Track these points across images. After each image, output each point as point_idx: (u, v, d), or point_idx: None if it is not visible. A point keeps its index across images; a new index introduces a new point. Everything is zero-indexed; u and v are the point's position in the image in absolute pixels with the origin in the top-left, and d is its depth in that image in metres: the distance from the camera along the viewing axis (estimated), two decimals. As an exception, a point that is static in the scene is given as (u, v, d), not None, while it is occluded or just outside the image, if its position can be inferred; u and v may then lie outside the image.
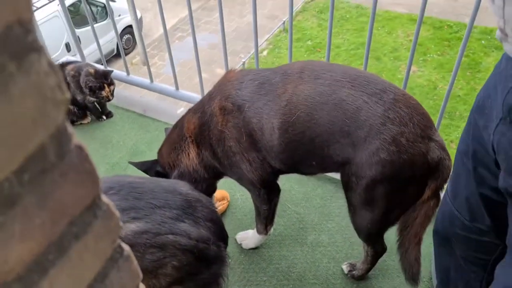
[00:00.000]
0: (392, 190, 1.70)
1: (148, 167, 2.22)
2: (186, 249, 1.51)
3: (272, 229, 2.37)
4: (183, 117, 2.12)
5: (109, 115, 3.43)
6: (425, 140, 1.60)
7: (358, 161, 1.66)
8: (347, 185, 1.79)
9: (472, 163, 1.44)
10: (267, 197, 2.16)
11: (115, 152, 3.18)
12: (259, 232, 2.36)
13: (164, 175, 2.18)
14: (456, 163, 1.63)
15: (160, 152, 2.23)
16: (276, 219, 2.31)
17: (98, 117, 3.40)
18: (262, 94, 1.79)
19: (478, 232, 1.51)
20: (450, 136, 8.37)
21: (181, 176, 2.12)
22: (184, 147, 2.07)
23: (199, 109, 2.01)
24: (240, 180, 2.09)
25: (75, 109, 3.24)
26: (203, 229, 1.57)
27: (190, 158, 2.07)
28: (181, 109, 3.51)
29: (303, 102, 1.70)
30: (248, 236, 2.49)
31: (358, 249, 2.48)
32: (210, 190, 2.26)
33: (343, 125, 1.65)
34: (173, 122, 3.42)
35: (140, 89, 3.62)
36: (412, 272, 1.89)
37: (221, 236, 1.72)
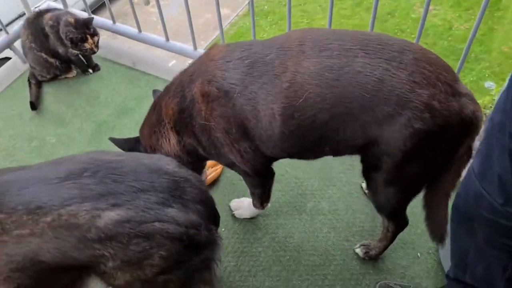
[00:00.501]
0: (428, 159, 1.53)
1: (131, 147, 2.00)
2: (175, 237, 1.32)
3: (269, 204, 2.19)
4: (161, 97, 1.86)
5: (95, 68, 3.17)
6: (456, 97, 1.41)
7: (387, 138, 1.45)
8: (375, 167, 1.58)
9: (510, 138, 1.20)
10: (260, 182, 1.97)
11: (103, 109, 2.96)
12: (255, 206, 2.18)
13: None
14: (487, 135, 1.38)
15: (141, 131, 2.00)
16: (272, 190, 2.12)
17: (84, 71, 3.15)
18: (255, 75, 1.53)
19: (509, 217, 1.30)
20: (464, 80, 7.99)
21: None
22: (164, 132, 1.83)
23: (178, 91, 1.73)
24: (230, 167, 1.90)
25: (58, 63, 2.98)
26: (192, 213, 1.38)
27: (171, 144, 1.84)
28: (173, 62, 3.25)
29: (310, 81, 1.45)
30: (243, 206, 2.32)
31: (360, 218, 2.31)
32: (198, 170, 2.06)
33: (363, 101, 1.41)
34: (164, 76, 3.18)
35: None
36: (441, 231, 1.73)
37: (213, 219, 1.54)
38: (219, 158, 1.84)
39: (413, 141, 1.42)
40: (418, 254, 2.18)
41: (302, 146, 1.64)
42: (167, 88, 1.84)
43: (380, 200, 1.76)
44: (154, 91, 2.14)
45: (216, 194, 2.45)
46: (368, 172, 1.66)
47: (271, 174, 1.96)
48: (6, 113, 2.97)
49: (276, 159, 1.82)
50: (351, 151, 1.63)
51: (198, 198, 1.41)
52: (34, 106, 2.93)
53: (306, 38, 1.52)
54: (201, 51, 2.99)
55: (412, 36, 6.02)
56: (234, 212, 2.34)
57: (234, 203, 2.36)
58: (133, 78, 3.13)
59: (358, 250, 2.17)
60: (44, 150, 2.76)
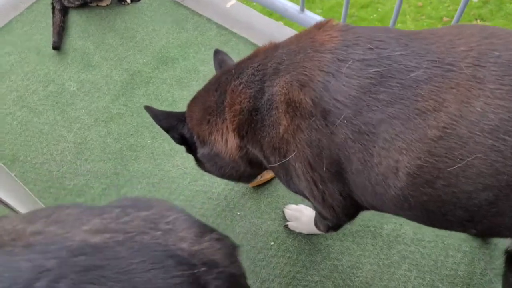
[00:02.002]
0: None
1: (170, 125, 1.42)
2: None
3: (335, 232, 1.63)
4: (228, 76, 1.25)
5: (135, -2, 2.56)
6: None
7: None
8: None
9: None
10: (336, 222, 1.41)
11: (138, 54, 2.38)
12: (317, 227, 1.63)
13: (190, 144, 1.42)
14: None
15: (190, 109, 1.39)
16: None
17: (120, 0, 2.54)
18: (381, 99, 0.95)
19: None
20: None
21: (212, 158, 1.37)
22: (222, 129, 1.27)
23: (255, 79, 1.14)
24: (298, 193, 1.34)
25: (89, -14, 2.39)
26: None
27: (228, 147, 1.28)
28: (232, 2, 2.58)
29: (482, 138, 0.87)
30: (300, 218, 1.78)
31: (454, 257, 1.74)
32: (253, 177, 1.53)
33: None
34: (220, 20, 2.56)
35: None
36: None
37: None
38: (289, 185, 1.29)
39: None
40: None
41: (431, 221, 1.07)
42: (239, 66, 1.23)
43: None
44: (217, 52, 1.51)
45: (267, 194, 1.90)
46: None
47: (355, 217, 1.39)
48: (22, 43, 2.44)
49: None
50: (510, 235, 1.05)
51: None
52: (56, 46, 2.38)
53: (491, 51, 0.88)
54: (310, 15, 2.26)
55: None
56: (288, 223, 1.81)
57: (291, 212, 1.82)
58: (179, 18, 2.50)
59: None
60: (62, 99, 2.24)
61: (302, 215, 1.78)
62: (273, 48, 1.16)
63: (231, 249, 0.97)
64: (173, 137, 1.45)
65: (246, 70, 1.17)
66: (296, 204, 1.86)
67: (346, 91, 0.96)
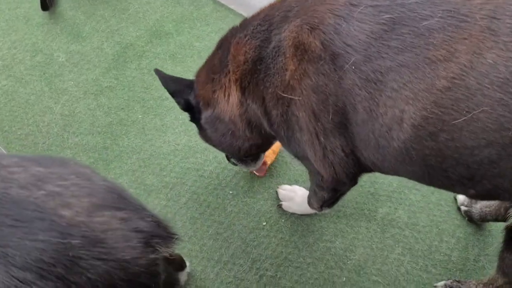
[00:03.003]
0: None
1: (177, 90, 1.40)
2: None
3: (329, 210, 1.61)
4: (233, 32, 1.23)
5: (129, -30, 2.46)
6: None
7: None
8: None
9: None
10: (332, 189, 1.37)
11: (131, 27, 2.30)
12: (310, 205, 1.59)
13: (194, 111, 1.40)
14: None
15: (197, 73, 1.38)
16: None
17: (114, -29, 2.45)
18: (392, 46, 0.92)
19: None
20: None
21: (213, 122, 1.34)
22: (224, 83, 1.24)
23: (262, 30, 1.11)
24: (298, 157, 1.30)
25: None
26: None
27: (230, 103, 1.25)
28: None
29: (491, 91, 0.84)
30: (295, 198, 1.74)
31: (448, 242, 1.72)
32: (256, 150, 1.48)
33: None
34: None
35: None
36: None
37: None
38: (289, 144, 1.25)
39: None
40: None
41: (431, 178, 1.03)
42: (246, 23, 1.20)
43: None
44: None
45: (244, 184, 1.86)
46: None
47: (354, 184, 1.35)
48: (10, 11, 2.34)
49: (373, 170, 1.20)
50: (510, 199, 1.02)
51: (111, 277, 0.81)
52: (45, 5, 2.29)
53: (505, 4, 0.85)
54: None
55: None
56: (281, 203, 1.76)
57: (284, 192, 1.77)
58: (175, -8, 2.43)
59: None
60: (49, 69, 2.15)
61: (295, 195, 1.74)
62: (280, 1, 1.13)
63: (142, 235, 0.89)
64: (178, 102, 1.42)
65: (252, 23, 1.15)
66: (290, 185, 1.82)
67: (356, 36, 0.94)
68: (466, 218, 1.75)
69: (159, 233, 0.96)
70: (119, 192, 0.96)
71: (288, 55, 1.04)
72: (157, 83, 2.12)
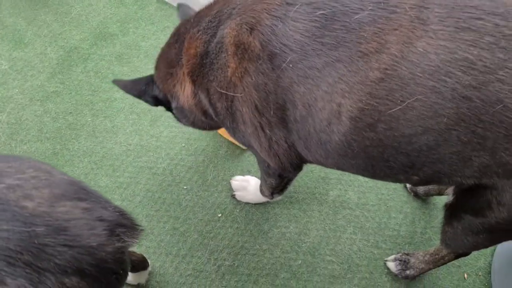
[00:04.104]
0: None
1: (141, 91, 1.42)
2: None
3: (280, 197, 1.67)
4: (187, 26, 1.25)
5: (69, -27, 2.43)
6: None
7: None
8: (475, 211, 1.08)
9: None
10: (279, 175, 1.42)
11: (74, 30, 2.28)
12: (262, 193, 1.64)
13: (164, 102, 1.43)
14: None
15: (157, 68, 1.40)
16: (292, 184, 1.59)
17: (54, -25, 2.42)
18: (325, 42, 0.94)
19: None
20: None
21: (180, 111, 1.39)
22: (180, 76, 1.28)
23: (212, 26, 1.15)
24: (246, 146, 1.34)
25: (17, -40, 2.25)
26: None
27: (185, 95, 1.29)
28: (172, -24, 2.51)
29: (423, 79, 0.87)
30: (248, 188, 1.78)
31: (396, 218, 1.80)
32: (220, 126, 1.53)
33: None
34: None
35: None
36: None
37: None
38: (235, 134, 1.29)
39: None
40: (465, 275, 1.71)
41: (374, 170, 1.07)
42: (199, 15, 1.23)
43: (458, 243, 1.24)
44: (180, 5, 1.51)
45: (213, 167, 1.89)
46: (457, 210, 1.13)
47: (299, 171, 1.40)
48: None
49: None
50: (451, 183, 1.08)
51: (80, 264, 0.85)
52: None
53: None
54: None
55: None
56: (235, 193, 1.80)
57: (237, 182, 1.81)
58: (117, -7, 2.42)
59: (391, 265, 1.67)
60: (-8, 78, 2.11)
61: (248, 184, 1.79)
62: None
63: (106, 223, 0.93)
64: (147, 101, 1.44)
65: (205, 18, 1.18)
66: (243, 175, 1.86)
67: (292, 35, 0.97)
68: (412, 194, 1.84)
69: (123, 222, 0.99)
70: (80, 185, 0.98)
71: (229, 53, 1.07)
72: (105, 85, 2.12)
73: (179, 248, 1.70)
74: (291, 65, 0.97)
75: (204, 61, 1.16)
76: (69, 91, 2.11)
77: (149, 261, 1.61)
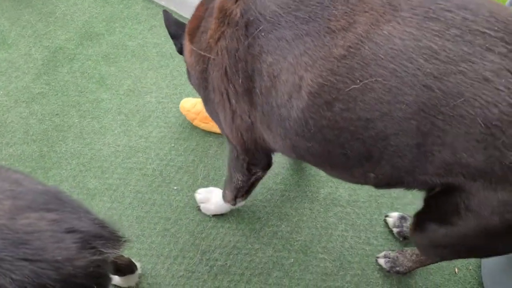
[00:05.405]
0: None
1: (177, 34, 1.45)
2: None
3: (243, 202, 1.66)
4: None
5: (52, -28, 2.39)
6: None
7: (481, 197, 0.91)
8: (443, 217, 1.04)
9: None
10: (247, 166, 1.40)
11: (59, 30, 2.24)
12: (224, 197, 1.63)
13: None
14: None
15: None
16: (254, 192, 1.60)
17: (37, -26, 2.38)
18: (298, 16, 0.97)
19: None
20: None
21: (187, 70, 1.43)
22: (186, 35, 1.33)
23: None
24: (215, 120, 1.35)
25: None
26: None
27: (187, 53, 1.33)
28: (157, -26, 2.49)
29: (385, 61, 0.87)
30: (210, 199, 1.75)
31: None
32: None
33: (476, 129, 0.83)
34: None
35: None
36: None
37: None
38: (206, 105, 1.32)
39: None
40: (456, 270, 1.72)
41: (331, 157, 1.06)
42: None
43: (425, 252, 1.24)
44: (165, 13, 1.52)
45: (204, 167, 1.88)
46: (423, 218, 1.12)
47: (266, 164, 1.40)
48: None
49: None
50: (416, 186, 1.06)
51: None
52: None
53: None
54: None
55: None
56: (199, 205, 1.77)
57: (201, 195, 1.77)
58: (102, -8, 2.39)
59: (382, 262, 1.68)
60: (-24, 80, 2.07)
61: (211, 195, 1.75)
62: None
63: (78, 235, 0.89)
64: (175, 44, 1.47)
65: None
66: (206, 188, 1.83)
67: (269, 6, 1.00)
68: (401, 239, 1.76)
69: (102, 233, 0.95)
70: (55, 195, 0.95)
71: (214, 16, 1.11)
72: (92, 85, 2.09)
73: (170, 249, 1.69)
74: (263, 34, 1.00)
75: (199, 24, 1.22)
76: (55, 92, 2.07)
77: (138, 264, 1.59)
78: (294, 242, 1.73)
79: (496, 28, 0.82)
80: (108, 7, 2.34)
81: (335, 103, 0.93)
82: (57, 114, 2.02)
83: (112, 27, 2.26)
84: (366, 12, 0.90)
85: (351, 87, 0.90)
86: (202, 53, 1.16)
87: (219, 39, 1.09)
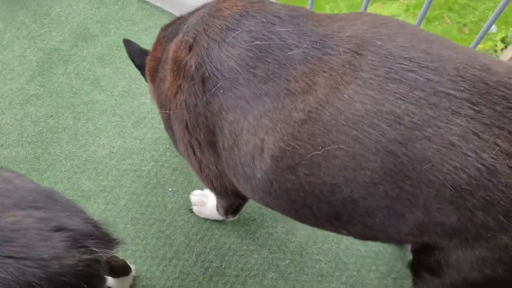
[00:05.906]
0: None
1: (143, 64, 1.38)
2: None
3: (236, 217, 1.66)
4: (165, 28, 1.29)
5: (47, -27, 2.39)
6: None
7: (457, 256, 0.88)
8: (430, 269, 1.01)
9: None
10: (225, 204, 1.46)
11: (54, 32, 2.23)
12: (218, 211, 1.64)
13: None
14: None
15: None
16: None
17: (31, -25, 2.37)
18: (257, 74, 0.91)
19: None
20: (465, 19, 7.34)
21: None
22: (147, 72, 1.33)
23: (171, 36, 1.18)
24: None
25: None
26: None
27: (150, 90, 1.34)
28: (153, -24, 2.48)
29: (347, 128, 0.82)
30: (206, 203, 1.75)
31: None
32: None
33: (448, 192, 0.78)
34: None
35: None
36: None
37: None
38: (176, 147, 1.28)
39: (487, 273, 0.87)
40: (452, 270, 1.72)
41: (299, 214, 1.03)
42: (174, 22, 1.25)
43: None
44: (125, 41, 1.51)
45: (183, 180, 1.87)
46: (417, 268, 1.08)
47: (243, 200, 1.41)
48: None
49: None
50: (393, 243, 1.04)
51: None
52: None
53: (374, 40, 0.85)
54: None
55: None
56: (193, 207, 1.77)
57: (195, 197, 1.77)
58: (97, -7, 2.38)
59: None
60: (-30, 82, 2.06)
61: (207, 200, 1.75)
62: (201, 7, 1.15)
63: (66, 234, 0.87)
64: (143, 75, 1.44)
65: (172, 26, 1.22)
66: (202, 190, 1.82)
67: (226, 61, 0.94)
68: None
69: (94, 232, 0.94)
70: (47, 194, 0.94)
71: (169, 67, 1.06)
72: (87, 87, 2.08)
73: (165, 251, 1.68)
74: (221, 91, 0.95)
75: (157, 67, 1.18)
76: (50, 94, 2.07)
77: (133, 266, 1.58)
78: (289, 244, 1.73)
79: (462, 88, 0.77)
80: (103, 8, 2.33)
81: (299, 168, 0.89)
82: (51, 116, 2.01)
83: (107, 28, 2.25)
84: (325, 72, 0.85)
85: (313, 153, 0.85)
86: (163, 104, 1.12)
87: (176, 93, 1.05)
